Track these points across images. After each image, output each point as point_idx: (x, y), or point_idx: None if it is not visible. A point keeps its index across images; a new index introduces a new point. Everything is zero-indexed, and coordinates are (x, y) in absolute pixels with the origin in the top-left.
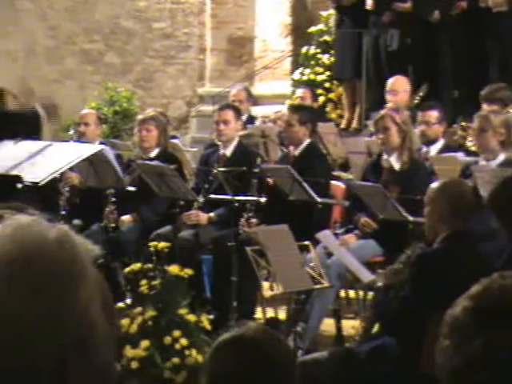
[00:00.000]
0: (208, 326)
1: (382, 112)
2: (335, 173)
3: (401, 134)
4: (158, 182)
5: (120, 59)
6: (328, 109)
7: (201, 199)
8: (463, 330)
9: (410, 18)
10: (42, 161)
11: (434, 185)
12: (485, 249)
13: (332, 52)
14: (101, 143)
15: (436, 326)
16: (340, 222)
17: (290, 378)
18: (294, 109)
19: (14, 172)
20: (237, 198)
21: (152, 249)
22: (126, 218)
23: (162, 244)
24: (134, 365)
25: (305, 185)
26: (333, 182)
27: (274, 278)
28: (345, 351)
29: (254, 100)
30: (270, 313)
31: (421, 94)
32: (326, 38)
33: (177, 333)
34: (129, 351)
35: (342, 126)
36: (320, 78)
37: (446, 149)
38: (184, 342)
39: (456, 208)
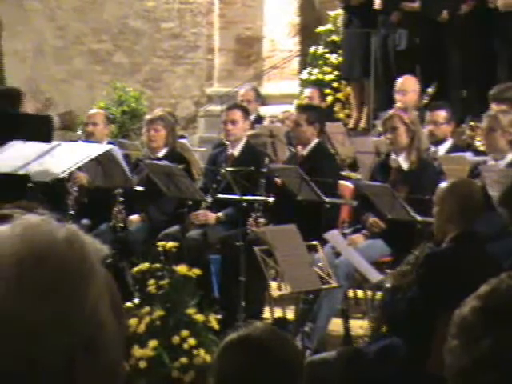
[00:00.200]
0: (216, 326)
1: (391, 112)
2: (344, 172)
3: (409, 133)
4: (166, 182)
5: (128, 59)
6: (336, 108)
7: (209, 199)
8: (471, 329)
9: (418, 18)
10: (51, 160)
11: (443, 185)
12: (493, 249)
13: (340, 52)
14: (109, 143)
15: (445, 326)
16: (348, 222)
17: (297, 377)
18: (302, 109)
19: (23, 172)
20: (245, 197)
21: (160, 248)
22: (134, 217)
23: (170, 244)
24: (142, 364)
25: (313, 185)
26: (341, 182)
27: (281, 277)
28: (353, 351)
29: (262, 100)
30: (278, 313)
31: (429, 93)
32: (334, 37)
33: (185, 332)
34: (137, 351)
35: (350, 125)
36: (328, 77)
37: (454, 149)
38: (192, 341)
39: (465, 208)
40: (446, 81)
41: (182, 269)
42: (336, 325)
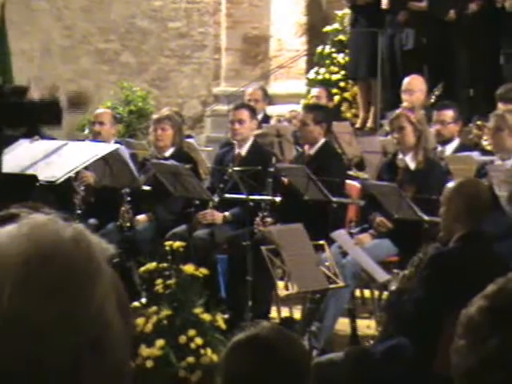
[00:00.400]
0: (223, 326)
1: (398, 111)
2: (351, 172)
3: (416, 133)
4: (173, 182)
5: (135, 59)
6: (343, 108)
7: (216, 198)
8: (478, 329)
9: (425, 18)
10: (58, 160)
11: (451, 184)
12: (500, 248)
13: (347, 51)
14: (116, 142)
15: (452, 326)
16: (355, 222)
17: (304, 377)
18: (309, 108)
19: (30, 171)
20: (252, 197)
21: (167, 248)
22: (141, 217)
23: (177, 243)
24: (149, 364)
25: (320, 184)
26: (348, 182)
27: (288, 277)
28: (360, 351)
29: (269, 99)
30: (285, 312)
31: (436, 93)
32: (341, 37)
33: (192, 332)
34: (144, 350)
35: (357, 125)
36: (335, 77)
37: (461, 148)
38: (199, 341)
39: (472, 208)
40: (453, 80)
41: (189, 268)
42: (343, 324)
